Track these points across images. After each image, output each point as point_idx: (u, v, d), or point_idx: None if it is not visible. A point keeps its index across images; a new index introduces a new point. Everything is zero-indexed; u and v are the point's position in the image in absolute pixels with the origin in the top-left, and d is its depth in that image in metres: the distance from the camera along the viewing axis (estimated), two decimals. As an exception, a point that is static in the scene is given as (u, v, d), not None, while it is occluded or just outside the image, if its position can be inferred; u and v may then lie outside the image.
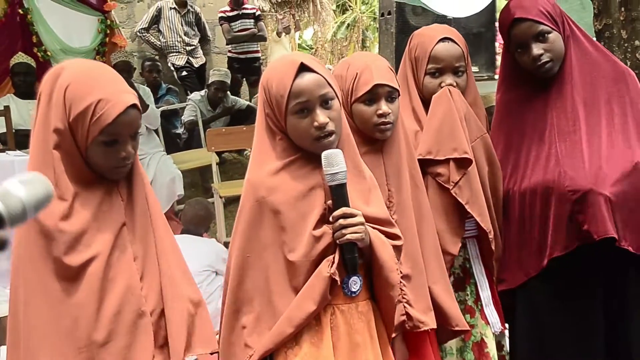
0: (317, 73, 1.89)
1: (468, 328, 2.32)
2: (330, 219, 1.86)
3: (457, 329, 2.26)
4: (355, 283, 1.90)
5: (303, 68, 1.88)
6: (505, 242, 2.60)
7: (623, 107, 2.51)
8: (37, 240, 1.73)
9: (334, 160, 1.84)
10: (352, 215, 1.85)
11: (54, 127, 1.76)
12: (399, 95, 2.21)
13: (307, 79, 1.87)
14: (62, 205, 1.74)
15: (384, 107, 2.15)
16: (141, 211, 1.88)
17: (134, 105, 1.78)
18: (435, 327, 2.15)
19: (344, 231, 1.83)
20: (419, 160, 2.40)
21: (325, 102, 1.88)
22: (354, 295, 1.91)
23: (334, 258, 1.86)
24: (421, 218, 2.24)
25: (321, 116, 1.86)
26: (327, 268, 1.85)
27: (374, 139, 2.18)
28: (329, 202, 1.88)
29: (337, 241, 1.85)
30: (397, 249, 1.98)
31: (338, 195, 1.85)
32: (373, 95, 2.15)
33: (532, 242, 2.52)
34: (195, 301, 1.96)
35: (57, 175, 1.76)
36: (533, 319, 2.58)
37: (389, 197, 2.15)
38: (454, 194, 2.38)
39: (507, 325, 2.67)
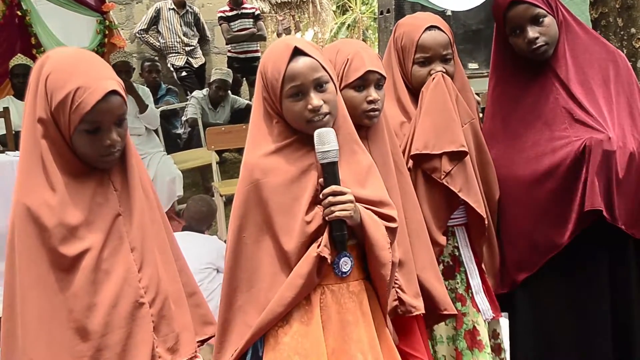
0: (311, 57, 1.90)
1: (456, 312, 2.34)
2: (320, 196, 1.88)
3: (445, 312, 2.28)
4: (346, 263, 1.91)
5: (297, 52, 1.90)
6: (517, 227, 2.57)
7: (617, 89, 2.52)
8: (32, 232, 1.72)
9: (326, 139, 1.86)
10: (341, 193, 1.86)
11: (38, 117, 1.75)
12: (384, 82, 2.22)
13: (301, 62, 1.89)
14: (54, 197, 1.73)
15: (373, 93, 2.15)
16: (138, 200, 1.86)
17: (114, 92, 1.74)
18: (424, 311, 2.16)
19: (332, 208, 1.85)
20: (413, 155, 2.40)
21: (319, 86, 1.90)
22: (344, 275, 1.92)
23: (322, 237, 1.87)
24: (407, 204, 2.23)
25: (315, 99, 1.88)
26: (316, 248, 1.87)
27: (359, 126, 2.16)
28: (321, 180, 1.90)
29: (326, 218, 1.87)
30: (391, 231, 1.98)
31: (329, 173, 1.87)
32: (363, 82, 2.15)
33: (552, 222, 2.49)
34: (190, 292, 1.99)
35: (47, 166, 1.75)
36: (537, 312, 2.58)
37: None
38: (445, 183, 2.37)
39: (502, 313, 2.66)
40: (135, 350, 1.77)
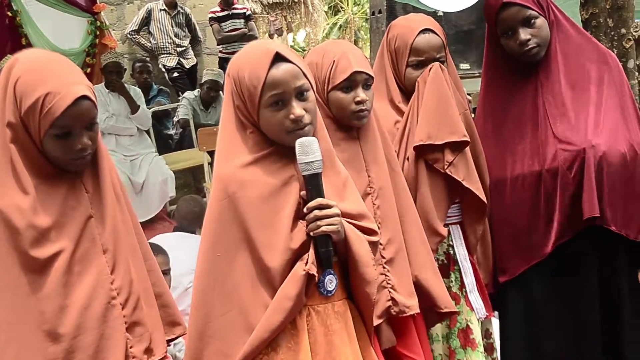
0: (293, 63, 1.79)
1: (456, 310, 2.32)
2: (305, 210, 1.77)
3: (445, 310, 2.25)
4: (331, 282, 1.81)
5: (278, 58, 1.78)
6: (505, 230, 2.58)
7: (608, 90, 2.52)
8: (3, 235, 1.71)
9: (309, 149, 1.75)
10: (327, 207, 1.75)
11: (7, 121, 1.74)
12: (372, 82, 2.21)
13: (282, 69, 1.77)
14: (25, 199, 1.72)
15: (361, 94, 2.13)
16: (109, 201, 1.85)
17: (84, 97, 1.72)
18: (419, 311, 2.12)
19: (319, 223, 1.74)
20: (416, 146, 2.40)
21: (300, 94, 1.79)
22: (329, 294, 1.82)
23: (308, 254, 1.76)
24: (402, 203, 2.22)
25: (297, 109, 1.77)
26: (302, 266, 1.75)
27: (349, 127, 2.16)
28: (303, 192, 1.79)
29: (312, 233, 1.75)
30: (374, 245, 1.90)
31: (313, 185, 1.76)
32: (351, 83, 2.14)
33: (537, 228, 2.50)
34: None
35: (17, 170, 1.73)
36: (527, 313, 2.57)
37: (370, 183, 2.14)
38: (449, 173, 2.38)
39: (495, 312, 2.66)
40: (108, 352, 1.76)
